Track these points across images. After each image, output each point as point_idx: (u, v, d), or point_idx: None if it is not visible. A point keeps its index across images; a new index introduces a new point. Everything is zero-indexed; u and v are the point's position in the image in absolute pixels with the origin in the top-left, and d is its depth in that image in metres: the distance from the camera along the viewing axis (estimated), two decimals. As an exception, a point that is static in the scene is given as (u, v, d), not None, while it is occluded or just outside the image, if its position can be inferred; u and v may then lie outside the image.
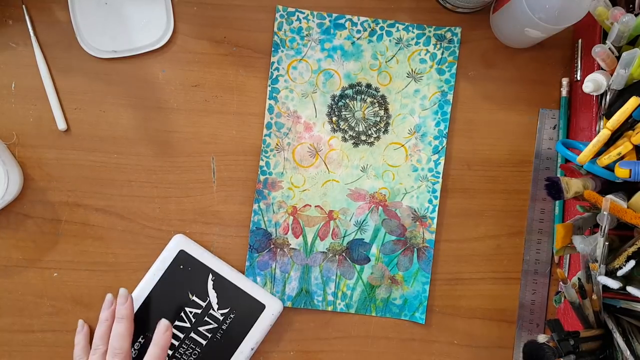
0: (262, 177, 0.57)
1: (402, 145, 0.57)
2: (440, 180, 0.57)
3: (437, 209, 0.57)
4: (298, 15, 0.57)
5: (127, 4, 0.56)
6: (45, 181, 0.56)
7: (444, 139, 0.57)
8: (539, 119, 0.59)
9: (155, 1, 0.56)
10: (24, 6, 0.56)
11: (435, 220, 0.57)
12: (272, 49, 0.57)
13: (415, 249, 0.57)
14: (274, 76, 0.57)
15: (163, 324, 0.53)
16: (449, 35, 0.57)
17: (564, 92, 0.58)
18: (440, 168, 0.57)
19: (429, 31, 0.57)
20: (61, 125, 0.55)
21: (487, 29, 0.59)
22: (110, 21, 0.56)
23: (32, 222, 0.56)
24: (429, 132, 0.57)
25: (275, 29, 0.57)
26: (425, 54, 0.57)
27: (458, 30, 0.57)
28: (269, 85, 0.57)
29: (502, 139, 0.59)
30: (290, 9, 0.57)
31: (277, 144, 0.57)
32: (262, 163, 0.57)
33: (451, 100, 0.57)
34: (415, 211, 0.57)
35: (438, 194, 0.57)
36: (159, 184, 0.57)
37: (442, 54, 0.57)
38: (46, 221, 0.56)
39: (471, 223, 0.58)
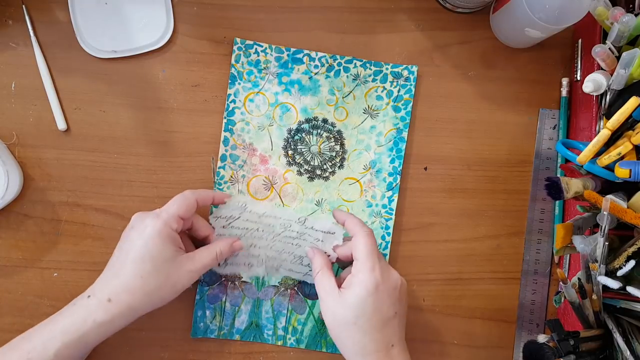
0: (215, 209, 0.56)
1: (357, 181, 0.57)
2: (393, 217, 0.57)
3: (389, 245, 0.57)
4: (256, 49, 0.56)
5: (127, 4, 0.56)
6: (45, 181, 0.56)
7: (398, 176, 0.57)
8: (539, 119, 0.59)
9: (155, 1, 0.56)
10: (24, 6, 0.56)
11: (387, 257, 0.57)
12: (229, 81, 0.56)
13: None
14: (230, 108, 0.56)
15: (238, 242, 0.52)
16: (405, 73, 0.57)
17: (564, 92, 0.58)
18: (394, 205, 0.57)
19: (386, 68, 0.57)
20: (61, 125, 0.55)
21: (487, 29, 0.59)
22: (110, 21, 0.56)
23: (32, 222, 0.56)
24: (383, 169, 0.57)
25: (233, 62, 0.56)
26: (382, 91, 0.57)
27: (415, 68, 0.57)
28: (225, 117, 0.56)
29: (502, 139, 0.59)
30: (248, 42, 0.56)
31: (231, 176, 0.56)
32: None
33: (406, 138, 0.57)
34: None
35: (391, 230, 0.57)
36: (159, 184, 0.57)
37: (399, 91, 0.57)
38: (46, 221, 0.56)
39: (471, 223, 0.58)
